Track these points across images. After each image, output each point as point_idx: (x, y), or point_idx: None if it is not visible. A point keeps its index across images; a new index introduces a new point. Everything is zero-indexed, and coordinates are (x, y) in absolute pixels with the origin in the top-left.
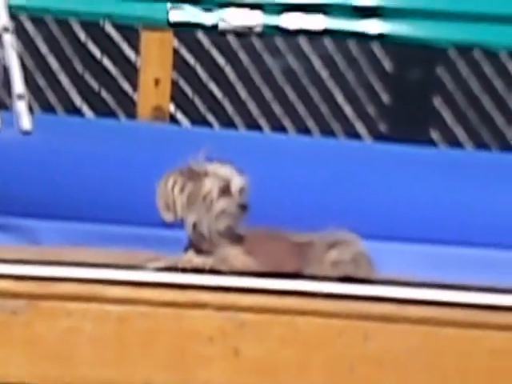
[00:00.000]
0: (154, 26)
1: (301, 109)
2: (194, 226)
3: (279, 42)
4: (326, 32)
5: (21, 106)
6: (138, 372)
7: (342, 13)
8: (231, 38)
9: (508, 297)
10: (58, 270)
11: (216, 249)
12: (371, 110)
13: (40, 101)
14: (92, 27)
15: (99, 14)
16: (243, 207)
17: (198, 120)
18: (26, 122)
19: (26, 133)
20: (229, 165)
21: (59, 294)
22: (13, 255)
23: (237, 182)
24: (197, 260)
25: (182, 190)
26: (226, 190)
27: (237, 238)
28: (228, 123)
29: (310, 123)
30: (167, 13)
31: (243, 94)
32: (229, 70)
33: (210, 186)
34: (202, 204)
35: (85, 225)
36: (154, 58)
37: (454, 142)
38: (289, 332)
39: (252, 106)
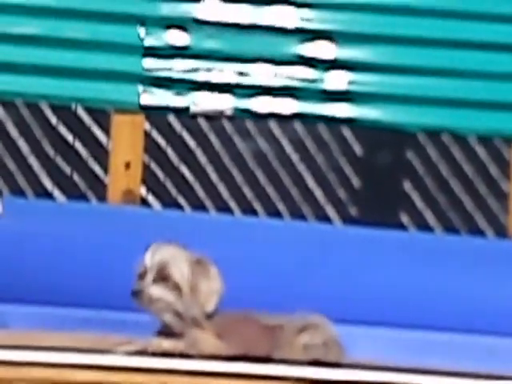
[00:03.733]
0: (126, 109)
1: (271, 192)
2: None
3: (250, 125)
4: (296, 116)
5: None
6: None
7: (312, 97)
8: (202, 121)
9: (478, 382)
10: (26, 354)
11: (186, 333)
12: (341, 193)
13: (10, 185)
14: (63, 110)
15: (70, 98)
16: (134, 293)
17: (169, 203)
18: None
19: None
20: (165, 248)
21: (27, 379)
22: None
23: (152, 267)
24: (167, 344)
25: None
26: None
27: (205, 322)
28: (199, 206)
29: (281, 206)
30: (138, 96)
31: (214, 176)
32: (200, 153)
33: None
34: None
35: (53, 309)
36: (125, 141)
37: (424, 226)
38: None
39: (222, 189)
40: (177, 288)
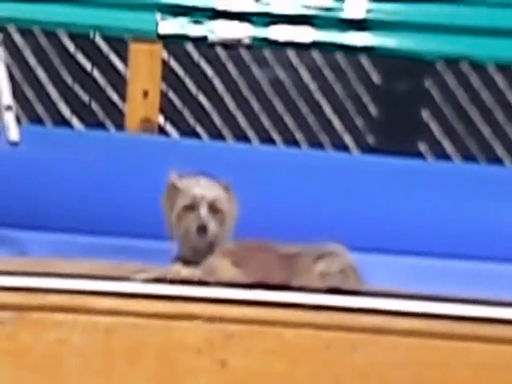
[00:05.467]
0: (144, 37)
1: (289, 121)
2: (180, 238)
3: (267, 53)
4: (314, 44)
5: (9, 117)
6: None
7: (330, 25)
8: (220, 50)
9: (493, 309)
10: (45, 281)
11: (204, 260)
12: (359, 122)
13: (28, 113)
14: (81, 39)
15: (88, 26)
16: (202, 228)
17: (186, 131)
18: (13, 133)
19: (14, 144)
20: (203, 180)
21: (47, 306)
22: None
23: (203, 200)
24: (185, 271)
25: (168, 203)
26: (190, 208)
27: (225, 250)
28: (216, 135)
29: (298, 135)
30: (156, 25)
31: (231, 105)
32: (217, 82)
33: (179, 203)
34: (176, 219)
35: (72, 236)
36: (143, 70)
37: (442, 155)
38: (276, 344)
39: (240, 118)
40: (223, 219)
